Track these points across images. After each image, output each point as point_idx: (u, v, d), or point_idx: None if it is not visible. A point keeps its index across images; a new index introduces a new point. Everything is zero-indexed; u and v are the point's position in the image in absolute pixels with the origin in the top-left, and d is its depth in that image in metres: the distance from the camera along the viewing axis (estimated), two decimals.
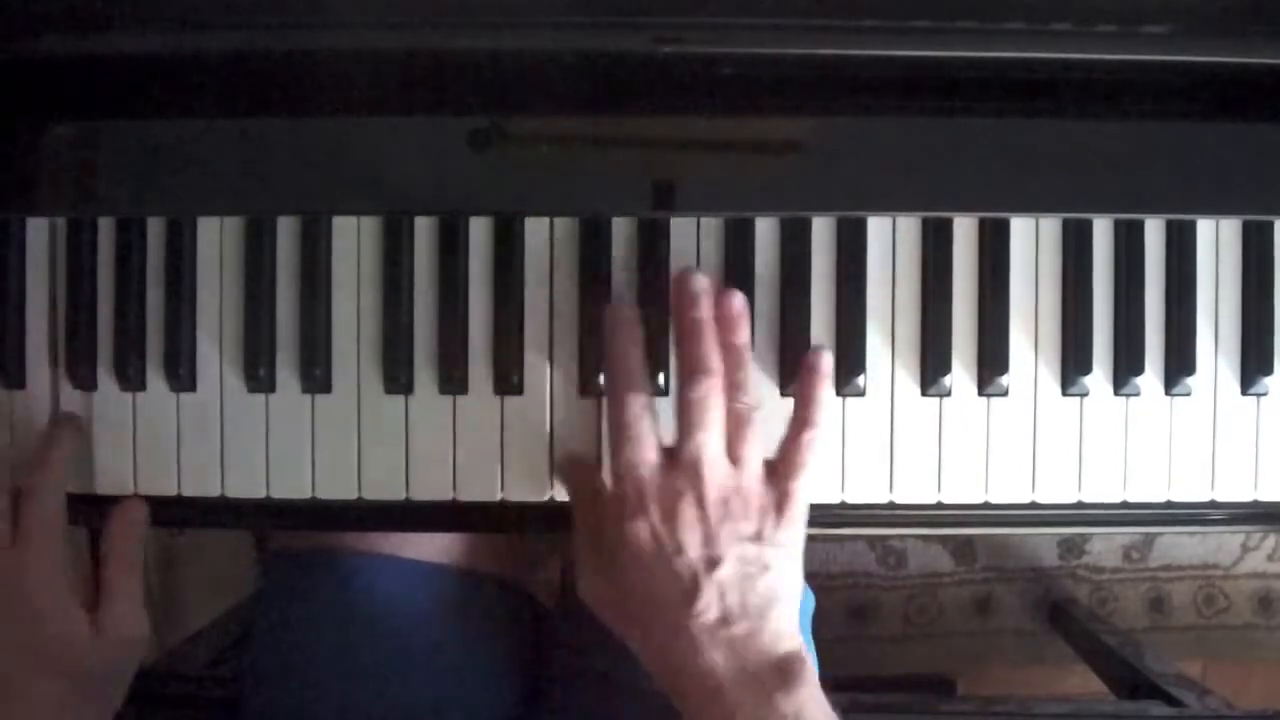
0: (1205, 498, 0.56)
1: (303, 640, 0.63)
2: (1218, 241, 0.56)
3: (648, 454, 0.50)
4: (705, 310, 0.51)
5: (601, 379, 0.55)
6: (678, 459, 0.50)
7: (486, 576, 0.67)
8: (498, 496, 0.56)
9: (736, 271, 0.55)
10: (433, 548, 0.64)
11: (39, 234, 0.56)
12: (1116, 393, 0.56)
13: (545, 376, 0.56)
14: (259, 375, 0.55)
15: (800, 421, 0.52)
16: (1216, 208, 0.55)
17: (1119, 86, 0.53)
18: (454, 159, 0.53)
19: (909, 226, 0.56)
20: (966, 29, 0.52)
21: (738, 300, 0.52)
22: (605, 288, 0.55)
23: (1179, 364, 0.55)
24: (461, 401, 0.56)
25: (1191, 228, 0.56)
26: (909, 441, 0.55)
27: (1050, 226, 0.56)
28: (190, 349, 0.56)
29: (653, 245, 0.55)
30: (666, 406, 0.53)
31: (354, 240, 0.56)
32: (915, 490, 0.56)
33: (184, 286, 0.56)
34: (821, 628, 0.69)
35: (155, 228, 0.56)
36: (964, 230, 0.56)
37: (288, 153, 0.54)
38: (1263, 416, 0.56)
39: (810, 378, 0.52)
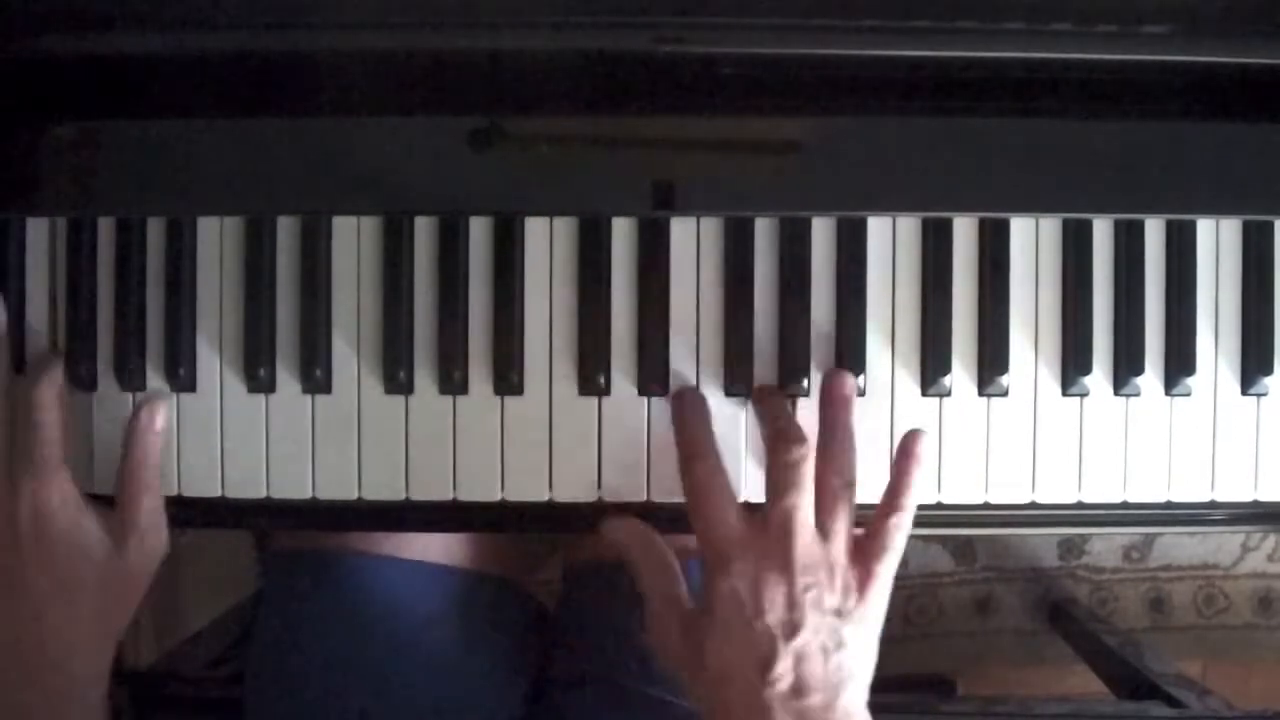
0: (1205, 498, 0.56)
1: (303, 640, 0.63)
2: (1218, 241, 0.56)
3: (727, 514, 0.50)
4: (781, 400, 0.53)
5: (599, 379, 0.55)
6: (767, 521, 0.50)
7: (487, 577, 0.67)
8: (498, 496, 0.56)
9: (736, 271, 0.55)
10: (433, 548, 0.64)
11: (39, 234, 0.56)
12: (1116, 393, 0.56)
13: (545, 376, 0.56)
14: (259, 375, 0.55)
15: (889, 506, 0.52)
16: (1216, 208, 0.55)
17: (1119, 86, 0.53)
18: (454, 159, 0.53)
19: (909, 226, 0.56)
20: (966, 29, 0.52)
21: (849, 381, 0.53)
22: (605, 287, 0.55)
23: (1179, 364, 0.55)
24: (461, 401, 0.56)
25: (1191, 228, 0.56)
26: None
27: (1050, 226, 0.56)
28: (190, 349, 0.56)
29: (653, 245, 0.55)
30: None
31: (354, 240, 0.56)
32: None
33: (184, 286, 0.55)
34: None
35: (155, 228, 0.56)
36: (964, 230, 0.56)
37: (288, 153, 0.54)
38: (1263, 416, 0.56)
39: (905, 463, 0.52)
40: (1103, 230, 0.56)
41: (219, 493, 0.56)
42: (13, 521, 0.52)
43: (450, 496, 0.56)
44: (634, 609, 0.64)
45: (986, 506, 0.56)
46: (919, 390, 0.56)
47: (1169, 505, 0.56)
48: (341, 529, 0.62)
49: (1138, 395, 0.56)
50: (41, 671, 0.52)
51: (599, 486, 0.56)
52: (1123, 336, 0.55)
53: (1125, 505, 0.56)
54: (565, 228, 0.56)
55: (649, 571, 0.53)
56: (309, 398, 0.56)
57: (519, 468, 0.56)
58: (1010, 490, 0.56)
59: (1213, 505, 0.57)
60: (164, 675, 0.80)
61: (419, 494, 0.56)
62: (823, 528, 0.50)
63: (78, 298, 0.56)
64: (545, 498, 0.56)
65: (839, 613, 0.49)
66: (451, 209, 0.55)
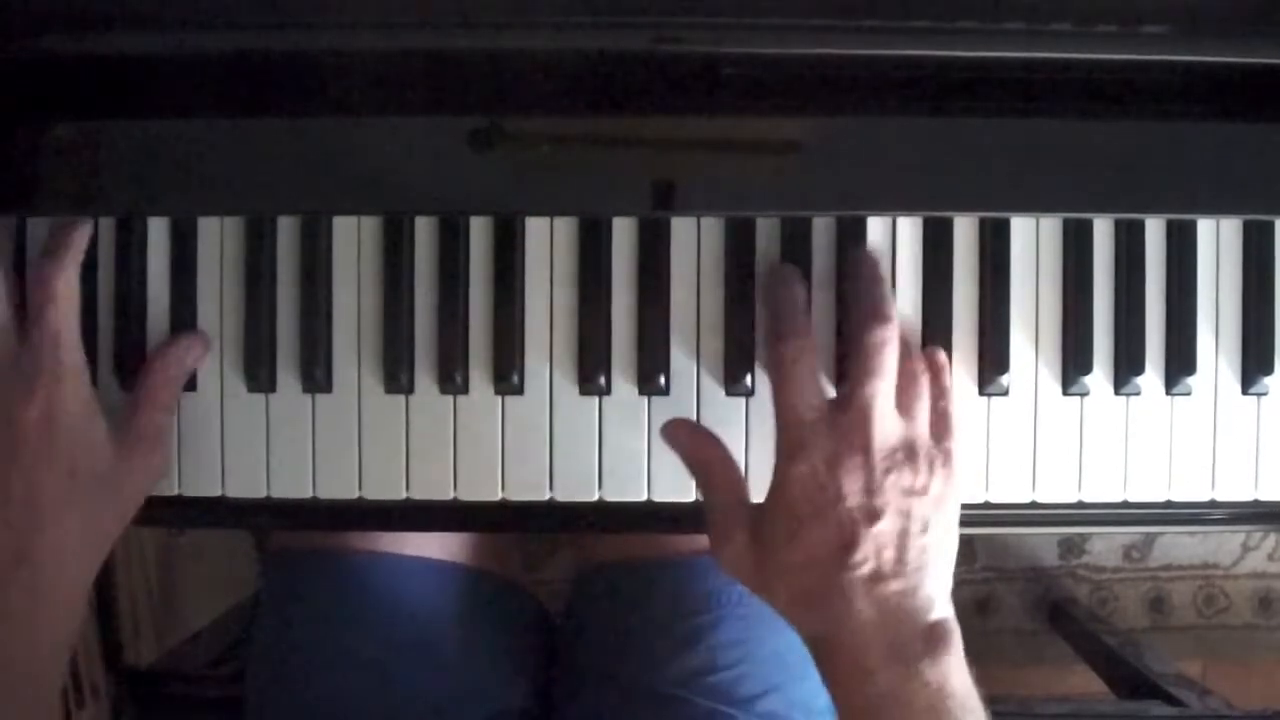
0: (1205, 497, 0.56)
1: (304, 638, 0.63)
2: (1218, 241, 0.56)
3: (810, 396, 0.49)
4: (883, 269, 0.52)
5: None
6: (848, 404, 0.48)
7: (488, 574, 0.67)
8: (498, 496, 0.56)
9: (737, 271, 0.55)
10: (434, 545, 0.64)
11: (39, 234, 0.56)
12: (1117, 392, 0.56)
13: (545, 376, 0.56)
14: (259, 375, 0.55)
15: (936, 392, 0.52)
16: (1216, 208, 0.55)
17: (1119, 86, 0.53)
18: (454, 159, 0.53)
19: (909, 226, 0.56)
20: (966, 29, 0.52)
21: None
22: (605, 287, 0.55)
23: (1179, 363, 0.55)
24: (461, 401, 0.56)
25: (1191, 227, 0.56)
26: None
27: (1050, 226, 0.56)
28: None
29: (653, 245, 0.55)
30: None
31: (354, 240, 0.56)
32: None
33: (184, 286, 0.56)
34: None
35: (155, 227, 0.56)
36: (964, 230, 0.56)
37: (288, 153, 0.54)
38: (1263, 416, 0.56)
39: (931, 355, 0.53)
40: (1103, 230, 0.56)
41: (219, 492, 0.56)
42: (20, 426, 0.49)
43: (450, 496, 0.56)
44: (641, 609, 0.65)
45: (986, 506, 0.56)
46: None
47: (1169, 505, 0.56)
48: (342, 529, 0.62)
49: (1138, 394, 0.56)
50: (20, 569, 0.49)
51: (599, 486, 0.56)
52: (1123, 336, 0.56)
53: (1125, 505, 0.56)
54: (565, 228, 0.56)
55: (709, 474, 0.52)
56: (309, 397, 0.56)
57: (519, 468, 0.56)
58: (1010, 489, 0.56)
59: (1213, 505, 0.57)
60: (164, 674, 0.81)
61: (419, 494, 0.56)
62: (904, 408, 0.49)
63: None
64: (545, 498, 0.56)
65: (924, 491, 0.48)
66: (451, 209, 0.55)
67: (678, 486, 0.55)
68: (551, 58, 0.52)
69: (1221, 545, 1.22)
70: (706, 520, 0.52)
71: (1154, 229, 0.56)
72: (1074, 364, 0.55)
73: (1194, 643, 1.23)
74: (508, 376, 0.55)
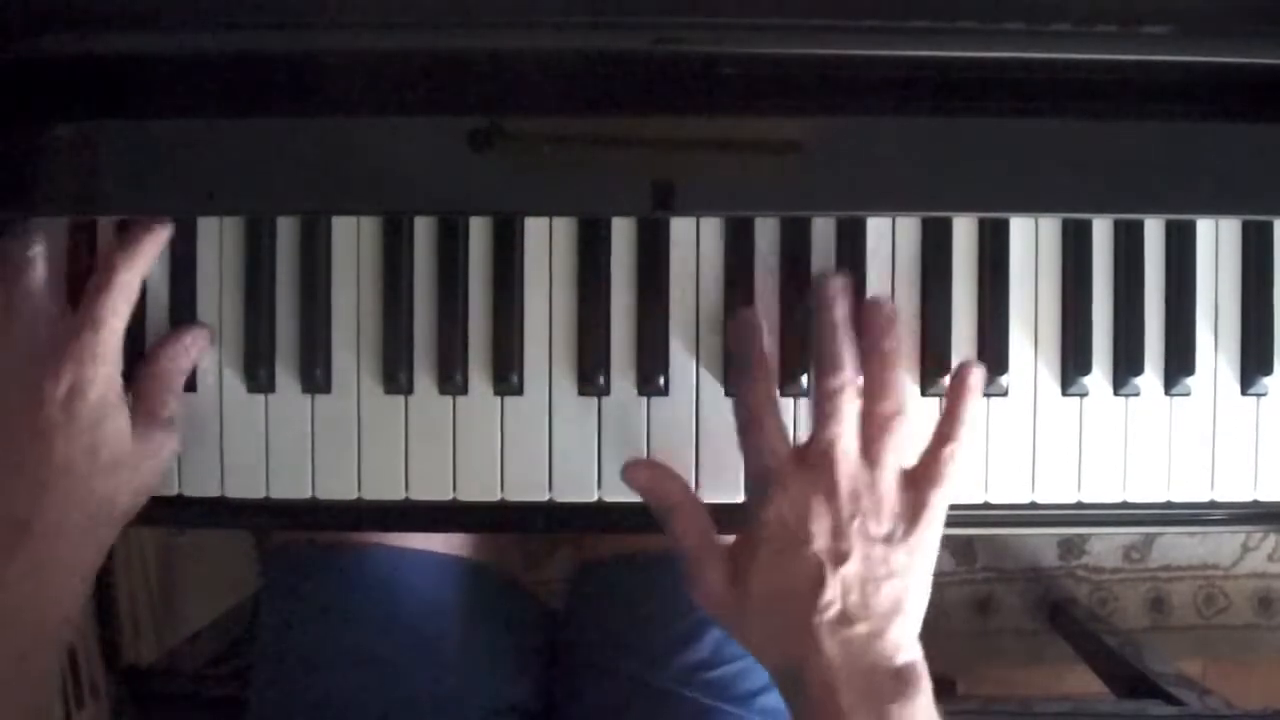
0: (1205, 498, 0.56)
1: (306, 634, 0.63)
2: (1218, 241, 0.56)
3: (773, 442, 0.50)
4: (840, 312, 0.51)
5: (599, 379, 0.55)
6: (809, 451, 0.50)
7: (489, 570, 0.67)
8: (498, 496, 0.56)
9: (736, 271, 0.55)
10: (435, 539, 0.65)
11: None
12: (1116, 393, 0.56)
13: (545, 376, 0.56)
14: (259, 375, 0.55)
15: (942, 435, 0.51)
16: (1216, 208, 0.55)
17: (1119, 86, 0.53)
18: (454, 159, 0.53)
19: (908, 226, 0.56)
20: (966, 29, 0.52)
21: (888, 307, 0.52)
22: (605, 287, 0.55)
23: (1179, 364, 0.55)
24: (461, 401, 0.56)
25: (1191, 228, 0.56)
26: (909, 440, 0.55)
27: (1050, 226, 0.56)
28: None
29: (653, 245, 0.55)
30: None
31: (354, 240, 0.56)
32: None
33: (184, 286, 0.56)
34: None
35: None
36: (963, 230, 0.56)
37: (288, 153, 0.54)
38: (1262, 416, 0.56)
39: (958, 391, 0.52)
40: (1102, 230, 0.56)
41: (219, 493, 0.56)
42: (45, 401, 0.50)
43: (450, 496, 0.56)
44: (642, 602, 0.65)
45: (986, 506, 0.56)
46: (918, 390, 0.56)
47: (1169, 505, 0.56)
48: (341, 529, 0.62)
49: (1137, 395, 0.56)
50: (23, 537, 0.49)
51: (599, 486, 0.56)
52: (1122, 336, 0.56)
53: (1125, 505, 0.56)
54: (565, 228, 0.56)
55: (677, 515, 0.52)
56: (309, 398, 0.56)
57: (519, 468, 0.56)
58: (1010, 490, 0.56)
59: (1212, 505, 0.57)
60: (164, 674, 0.81)
61: (419, 494, 0.56)
62: (869, 455, 0.50)
63: None
64: (545, 498, 0.56)
65: (888, 540, 0.49)
66: (451, 209, 0.55)
67: None
68: (551, 58, 0.52)
69: (1221, 545, 1.22)
70: (678, 556, 0.52)
71: (1153, 229, 0.56)
72: (1073, 364, 0.55)
73: (1194, 643, 1.23)
74: (507, 377, 0.55)
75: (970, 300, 0.56)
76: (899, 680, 0.47)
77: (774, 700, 0.62)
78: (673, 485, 0.53)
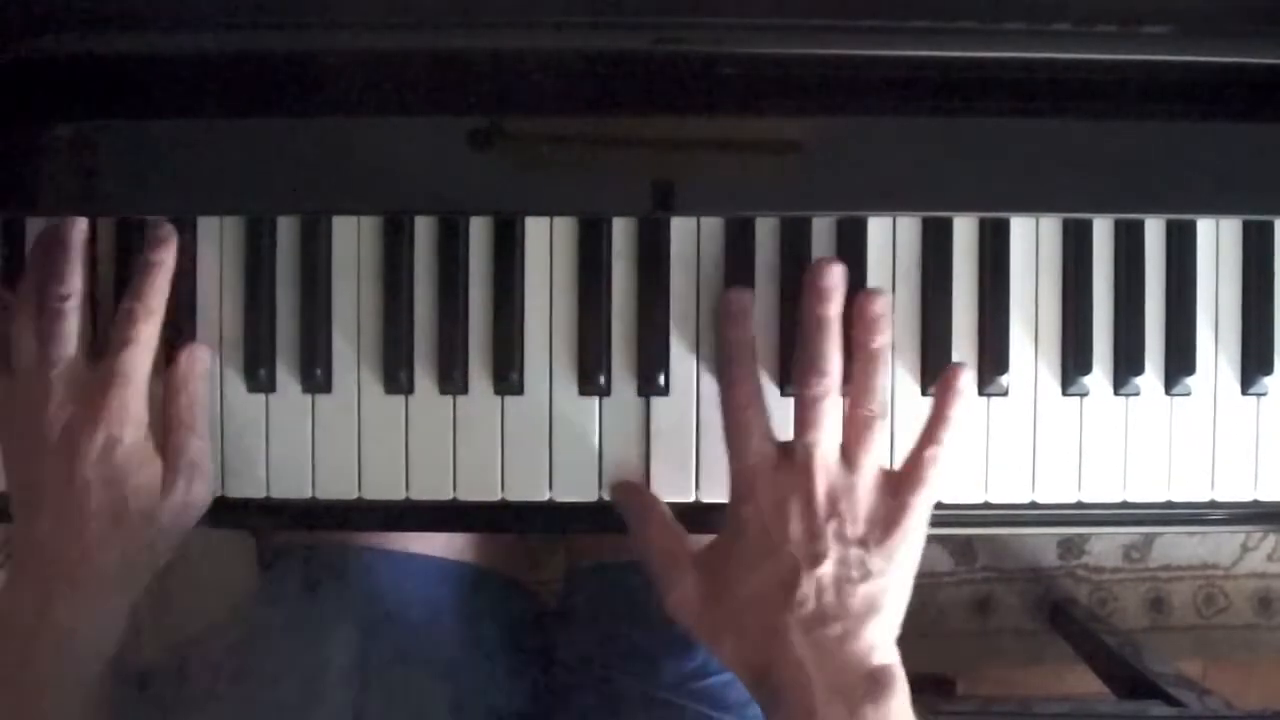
0: (1205, 498, 0.56)
1: (305, 637, 0.63)
2: (1218, 241, 0.56)
3: (755, 442, 0.51)
4: (833, 308, 0.51)
5: (600, 377, 0.55)
6: (790, 453, 0.50)
7: (489, 572, 0.67)
8: (498, 496, 0.56)
9: (737, 272, 0.55)
10: (436, 543, 0.64)
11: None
12: (1116, 392, 0.56)
13: (545, 376, 0.56)
14: (259, 375, 0.55)
15: (926, 438, 0.51)
16: (1216, 208, 0.55)
17: (1119, 86, 0.53)
18: (454, 159, 0.53)
19: (909, 226, 0.56)
20: (966, 29, 0.52)
21: (879, 303, 0.51)
22: (605, 287, 0.55)
23: (1179, 364, 0.55)
24: (461, 401, 0.56)
25: (1191, 228, 0.56)
26: (908, 441, 0.55)
27: (1050, 226, 0.56)
28: None
29: (653, 245, 0.55)
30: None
31: (354, 240, 0.56)
32: None
33: (184, 287, 0.55)
34: None
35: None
36: (964, 230, 0.56)
37: (288, 153, 0.54)
38: (1263, 416, 0.56)
39: (944, 394, 0.52)
40: (1103, 230, 0.56)
41: (219, 493, 0.56)
42: (82, 459, 0.51)
43: (450, 496, 0.56)
44: (636, 608, 0.65)
45: (986, 506, 0.56)
46: (918, 390, 0.56)
47: (1169, 505, 0.56)
48: (341, 529, 0.62)
49: (1137, 395, 0.56)
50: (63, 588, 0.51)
51: (599, 486, 0.56)
52: (1123, 336, 0.56)
53: (1125, 505, 0.56)
54: (565, 228, 0.56)
55: (644, 526, 0.53)
56: (309, 397, 0.56)
57: (519, 468, 0.56)
58: (1010, 490, 0.56)
59: (1213, 505, 0.57)
60: (164, 674, 0.80)
61: (419, 494, 0.56)
62: (849, 459, 0.50)
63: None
64: (545, 498, 0.56)
65: (864, 543, 0.49)
66: (451, 209, 0.55)
67: (678, 487, 0.55)
68: (551, 58, 0.52)
69: (1221, 545, 1.22)
70: (649, 570, 0.53)
71: (1153, 229, 0.56)
72: (1073, 364, 0.55)
73: (1194, 643, 1.23)
74: (507, 376, 0.55)
75: (970, 300, 0.56)
76: (872, 681, 0.47)
77: None
78: (646, 495, 0.54)
